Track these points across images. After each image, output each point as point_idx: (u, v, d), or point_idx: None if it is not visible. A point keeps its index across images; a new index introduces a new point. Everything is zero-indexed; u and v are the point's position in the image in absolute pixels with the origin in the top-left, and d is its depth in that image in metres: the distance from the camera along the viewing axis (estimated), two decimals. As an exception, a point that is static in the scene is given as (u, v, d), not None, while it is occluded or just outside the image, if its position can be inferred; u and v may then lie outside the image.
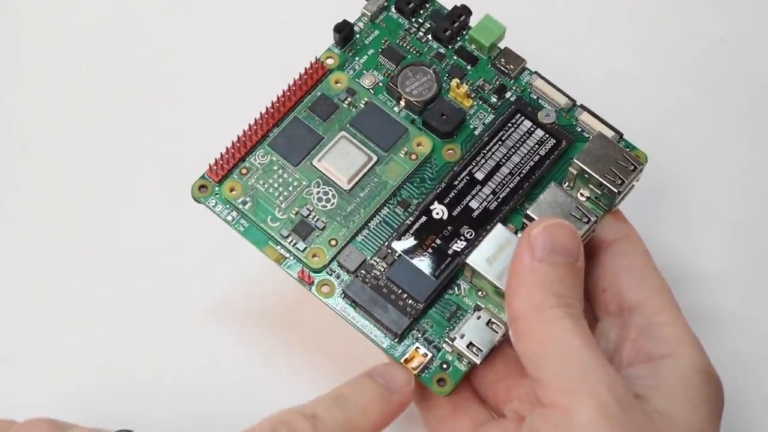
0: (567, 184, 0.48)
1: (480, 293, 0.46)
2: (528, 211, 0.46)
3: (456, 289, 0.46)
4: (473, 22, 0.51)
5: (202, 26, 0.61)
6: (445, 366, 0.45)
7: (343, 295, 0.46)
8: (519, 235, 0.45)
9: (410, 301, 0.46)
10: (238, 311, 0.54)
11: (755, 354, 0.52)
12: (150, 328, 0.54)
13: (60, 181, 0.57)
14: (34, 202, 0.56)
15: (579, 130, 0.49)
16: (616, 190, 0.46)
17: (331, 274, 0.46)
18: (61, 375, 0.53)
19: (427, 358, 0.45)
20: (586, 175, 0.46)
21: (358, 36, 0.50)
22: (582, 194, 0.47)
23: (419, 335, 0.46)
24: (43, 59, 0.60)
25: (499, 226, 0.45)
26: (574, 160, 0.46)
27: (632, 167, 0.46)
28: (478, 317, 0.45)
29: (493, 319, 0.45)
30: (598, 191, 0.47)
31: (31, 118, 0.58)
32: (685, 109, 0.58)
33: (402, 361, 0.45)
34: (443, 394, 0.45)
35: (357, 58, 0.50)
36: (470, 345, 0.45)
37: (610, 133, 0.48)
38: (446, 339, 0.45)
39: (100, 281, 0.55)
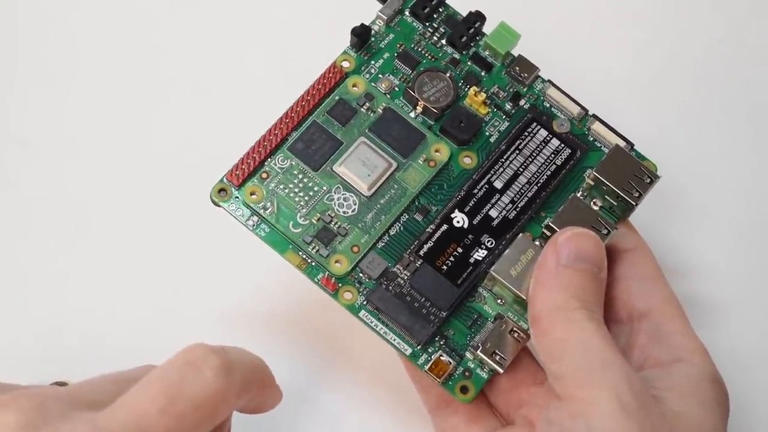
0: (581, 193, 0.48)
1: (499, 301, 0.47)
2: (550, 222, 0.47)
3: (476, 297, 0.47)
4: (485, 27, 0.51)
5: (208, 26, 0.60)
6: (467, 374, 0.46)
7: (366, 302, 0.46)
8: (537, 242, 0.46)
9: (433, 309, 0.46)
10: (251, 319, 0.53)
11: (752, 352, 0.54)
12: (155, 332, 0.53)
13: (61, 182, 0.56)
14: (34, 201, 0.56)
15: (591, 139, 0.50)
16: (634, 203, 0.47)
17: (353, 281, 0.46)
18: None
19: (451, 365, 0.46)
20: (604, 187, 0.47)
21: (373, 39, 0.50)
22: (595, 203, 0.48)
23: (441, 343, 0.46)
24: (44, 59, 0.59)
25: (521, 235, 0.46)
26: (594, 172, 0.47)
27: (648, 180, 0.47)
28: (502, 326, 0.46)
29: (515, 328, 0.46)
30: (613, 202, 0.48)
31: (31, 118, 0.57)
32: (684, 109, 0.59)
33: (426, 368, 0.46)
34: (466, 402, 0.46)
35: (373, 62, 0.50)
36: (494, 353, 0.45)
37: (621, 144, 0.49)
38: (470, 347, 0.46)
39: (102, 284, 0.54)
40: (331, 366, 0.53)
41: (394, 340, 0.46)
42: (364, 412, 0.52)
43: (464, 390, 0.46)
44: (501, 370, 0.45)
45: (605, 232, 0.47)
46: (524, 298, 0.45)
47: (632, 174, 0.47)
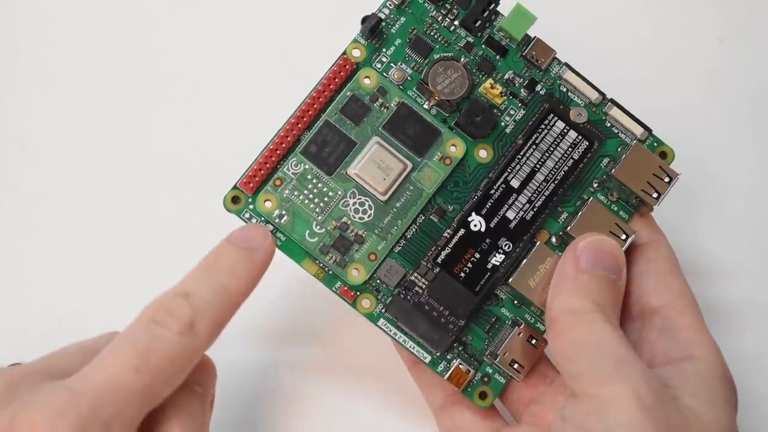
0: (597, 184, 0.48)
1: (515, 302, 0.47)
2: (568, 230, 0.46)
3: (494, 299, 0.47)
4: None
5: (208, 26, 0.58)
6: (486, 379, 0.47)
7: (384, 311, 0.46)
8: (554, 247, 0.46)
9: (452, 318, 0.46)
10: (250, 317, 0.53)
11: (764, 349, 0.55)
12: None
13: (61, 182, 0.55)
14: (34, 201, 0.55)
15: (608, 125, 0.49)
16: (652, 205, 0.47)
17: (371, 290, 0.46)
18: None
19: (470, 374, 0.46)
20: (623, 187, 0.47)
21: (384, 25, 0.48)
22: (612, 195, 0.48)
23: (460, 349, 0.47)
24: (43, 59, 0.57)
25: (539, 244, 0.46)
26: (613, 174, 0.46)
27: (668, 179, 0.47)
28: (519, 333, 0.46)
29: (532, 335, 0.46)
30: (632, 198, 0.47)
31: (31, 118, 0.56)
32: (684, 109, 0.58)
33: (446, 378, 0.46)
34: (485, 407, 0.47)
35: (384, 50, 0.48)
36: (512, 362, 0.46)
37: (639, 130, 0.49)
38: (486, 356, 0.46)
39: (102, 285, 0.54)
40: (329, 364, 0.53)
41: (414, 348, 0.47)
42: (362, 410, 0.53)
43: (483, 396, 0.47)
44: (519, 379, 0.46)
45: (623, 237, 0.46)
46: (542, 309, 0.45)
47: (651, 174, 0.47)
